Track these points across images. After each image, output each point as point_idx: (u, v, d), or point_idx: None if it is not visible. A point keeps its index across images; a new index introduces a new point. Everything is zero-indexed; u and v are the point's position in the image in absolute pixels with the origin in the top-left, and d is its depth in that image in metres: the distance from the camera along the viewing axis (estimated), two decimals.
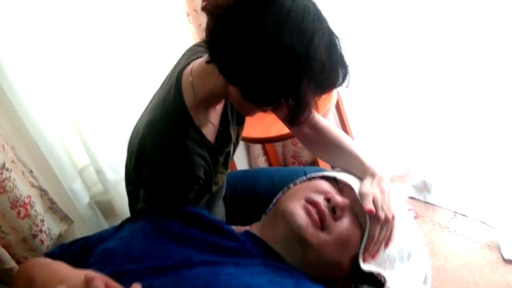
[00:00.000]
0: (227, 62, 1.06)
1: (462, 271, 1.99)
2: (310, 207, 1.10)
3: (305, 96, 1.05)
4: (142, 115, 1.34)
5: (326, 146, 1.42)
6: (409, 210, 2.24)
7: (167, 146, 1.18)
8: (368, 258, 1.13)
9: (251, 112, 1.24)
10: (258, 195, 1.60)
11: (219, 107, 1.31)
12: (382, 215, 1.14)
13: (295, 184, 1.28)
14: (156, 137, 1.19)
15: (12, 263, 1.60)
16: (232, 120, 1.38)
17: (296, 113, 1.08)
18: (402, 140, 2.54)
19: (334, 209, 1.11)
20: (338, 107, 2.38)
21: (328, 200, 1.12)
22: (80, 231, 1.88)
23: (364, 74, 2.40)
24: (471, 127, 2.33)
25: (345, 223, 1.10)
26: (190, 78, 1.20)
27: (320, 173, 1.29)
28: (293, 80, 1.01)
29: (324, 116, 2.09)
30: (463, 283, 1.94)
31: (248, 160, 2.78)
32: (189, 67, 1.24)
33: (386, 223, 1.15)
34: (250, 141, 2.12)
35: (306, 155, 2.82)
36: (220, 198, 1.55)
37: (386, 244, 1.16)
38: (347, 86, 1.12)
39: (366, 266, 1.11)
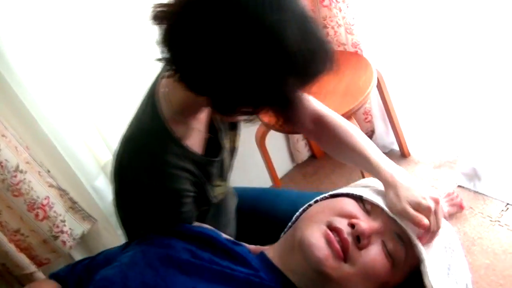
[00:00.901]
0: (188, 71, 0.92)
1: None
2: (332, 235, 0.97)
3: (292, 96, 0.91)
4: None
5: (333, 144, 1.29)
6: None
7: (146, 162, 1.09)
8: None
9: (232, 120, 1.11)
10: (276, 218, 1.48)
11: (203, 115, 1.20)
12: (433, 222, 1.01)
13: (316, 202, 1.14)
14: (133, 154, 1.11)
15: (32, 268, 1.56)
16: (223, 127, 1.26)
17: (286, 117, 0.96)
18: (452, 122, 2.34)
19: (358, 237, 0.97)
20: (380, 88, 2.20)
21: (352, 226, 0.98)
22: (106, 229, 1.83)
23: (407, 52, 2.21)
24: None
25: (371, 253, 0.97)
26: (165, 89, 1.11)
27: (345, 190, 1.14)
28: (271, 82, 0.87)
29: (365, 100, 1.93)
30: None
31: (287, 145, 2.68)
32: (164, 77, 1.14)
33: (437, 207, 1.03)
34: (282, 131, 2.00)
35: None
36: (227, 215, 1.46)
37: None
38: (333, 69, 0.94)
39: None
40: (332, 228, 0.98)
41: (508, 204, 2.05)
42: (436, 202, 1.02)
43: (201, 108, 1.14)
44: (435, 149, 2.43)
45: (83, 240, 1.76)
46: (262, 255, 1.07)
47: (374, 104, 2.38)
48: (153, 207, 1.13)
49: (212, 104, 0.96)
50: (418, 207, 1.00)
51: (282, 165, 2.71)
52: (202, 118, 1.19)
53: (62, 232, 1.63)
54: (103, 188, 1.76)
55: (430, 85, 2.29)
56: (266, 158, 2.30)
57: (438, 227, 1.02)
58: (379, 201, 1.05)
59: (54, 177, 1.61)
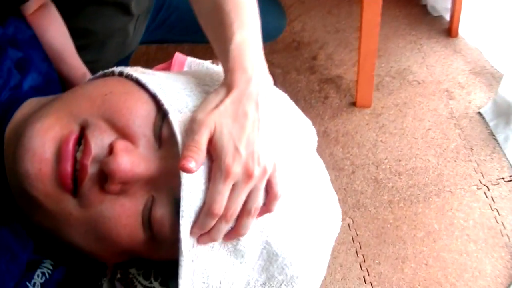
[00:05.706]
0: None
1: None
2: (70, 148, 0.53)
3: None
4: None
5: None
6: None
7: None
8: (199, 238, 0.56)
9: None
10: None
11: None
12: (229, 165, 0.53)
13: (120, 74, 0.61)
14: None
15: None
16: None
17: None
18: None
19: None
20: None
21: (111, 149, 0.53)
22: None
23: None
24: None
25: (118, 209, 0.54)
26: None
27: (160, 83, 0.58)
28: None
29: None
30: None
31: None
32: None
33: (247, 181, 0.54)
34: None
35: None
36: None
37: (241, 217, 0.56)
38: None
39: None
40: (84, 135, 0.54)
41: None
42: (250, 175, 0.53)
43: None
44: (487, 52, 1.76)
45: None
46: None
47: None
48: None
49: None
50: (219, 148, 0.53)
51: None
52: None
53: None
54: None
55: None
56: None
57: (232, 212, 0.54)
58: (178, 130, 0.54)
59: None
